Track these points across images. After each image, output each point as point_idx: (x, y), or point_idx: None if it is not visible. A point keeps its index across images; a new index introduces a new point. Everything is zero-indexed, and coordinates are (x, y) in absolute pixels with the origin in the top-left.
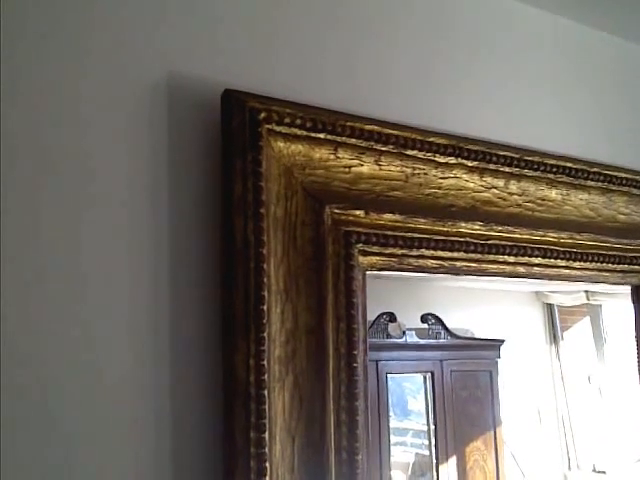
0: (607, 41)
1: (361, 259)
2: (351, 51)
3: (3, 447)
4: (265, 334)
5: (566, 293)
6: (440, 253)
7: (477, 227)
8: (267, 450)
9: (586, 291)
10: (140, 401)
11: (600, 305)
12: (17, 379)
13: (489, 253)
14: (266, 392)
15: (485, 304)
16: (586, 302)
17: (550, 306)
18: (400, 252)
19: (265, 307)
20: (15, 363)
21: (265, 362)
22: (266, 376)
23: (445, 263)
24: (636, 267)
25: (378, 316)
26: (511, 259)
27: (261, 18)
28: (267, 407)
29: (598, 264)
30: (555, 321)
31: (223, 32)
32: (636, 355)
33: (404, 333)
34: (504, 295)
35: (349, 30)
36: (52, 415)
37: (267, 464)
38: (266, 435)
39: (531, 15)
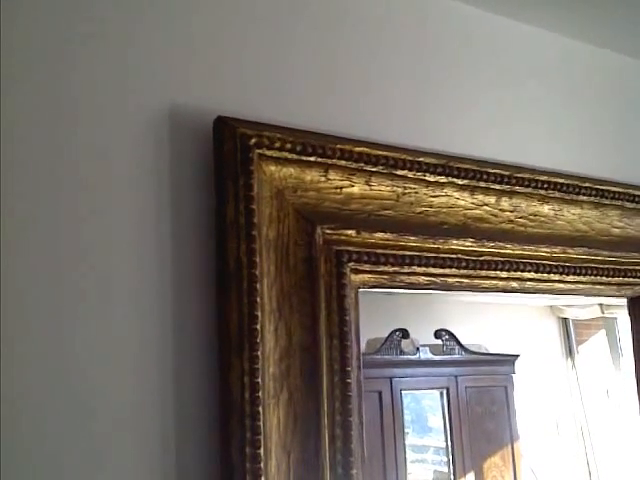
0: (596, 55)
1: (353, 277)
2: (339, 74)
3: (3, 453)
4: (259, 352)
5: (580, 307)
6: (432, 270)
7: (469, 244)
8: (262, 465)
9: (600, 304)
10: (138, 416)
11: (615, 318)
12: (14, 390)
13: (481, 269)
14: (261, 409)
15: (499, 319)
16: (601, 315)
17: (565, 320)
18: (392, 270)
19: (258, 326)
20: (13, 373)
21: (259, 379)
22: (260, 393)
23: (437, 279)
24: (630, 279)
25: (391, 333)
26: (503, 274)
27: (253, 47)
28: (262, 423)
29: (592, 277)
30: (570, 335)
31: (217, 62)
32: (634, 366)
33: (418, 349)
34: (518, 309)
35: (337, 53)
36: (50, 438)
37: (263, 479)
38: (261, 451)
39: (520, 32)
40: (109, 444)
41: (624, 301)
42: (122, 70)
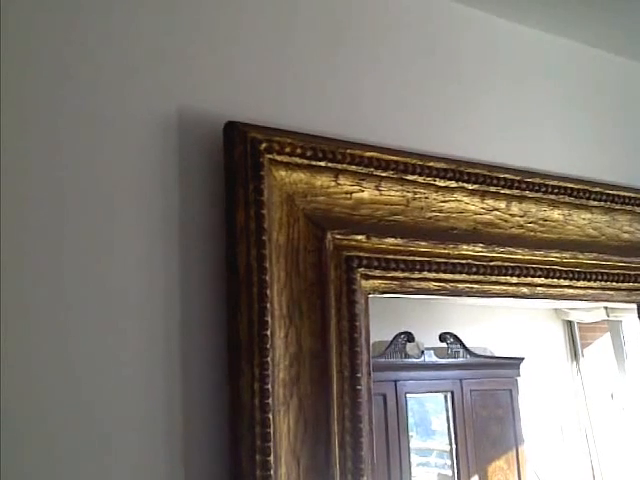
0: (606, 60)
1: (363, 283)
2: (349, 79)
3: (3, 452)
4: (269, 359)
5: (585, 310)
6: (442, 275)
7: (479, 249)
8: (273, 473)
9: (605, 307)
10: (146, 423)
11: (620, 321)
12: (15, 390)
13: (491, 274)
14: (271, 415)
15: (504, 322)
16: (606, 318)
17: (570, 323)
18: (402, 275)
19: (269, 332)
20: (14, 374)
21: (269, 386)
22: (270, 400)
23: (447, 285)
24: None
25: (396, 336)
26: (514, 280)
27: (262, 51)
28: (272, 430)
29: (602, 283)
30: (575, 338)
31: (226, 66)
32: None
33: (422, 353)
34: (523, 312)
35: (348, 58)
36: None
37: None
38: (271, 458)
39: (530, 36)
40: (115, 453)
41: (630, 304)
42: (128, 74)
